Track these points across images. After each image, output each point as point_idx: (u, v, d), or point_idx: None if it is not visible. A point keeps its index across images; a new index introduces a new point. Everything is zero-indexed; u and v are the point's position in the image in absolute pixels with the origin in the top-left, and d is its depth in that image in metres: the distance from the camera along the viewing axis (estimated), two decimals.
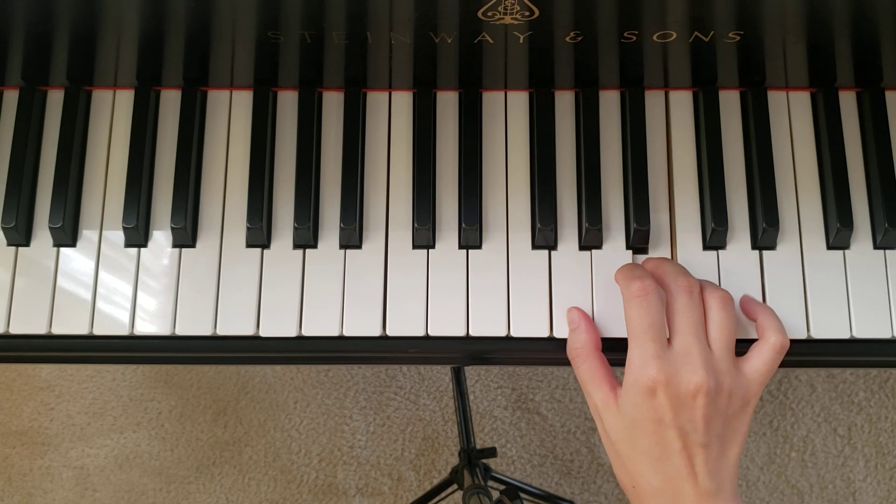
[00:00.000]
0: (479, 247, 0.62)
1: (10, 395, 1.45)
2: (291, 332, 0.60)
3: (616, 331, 0.60)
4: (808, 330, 0.60)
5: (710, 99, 0.64)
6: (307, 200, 0.61)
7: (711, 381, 0.53)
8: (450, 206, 0.63)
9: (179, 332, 0.60)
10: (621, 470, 0.56)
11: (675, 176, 0.63)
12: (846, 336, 0.61)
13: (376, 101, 0.65)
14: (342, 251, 0.62)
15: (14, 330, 0.60)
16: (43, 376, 1.46)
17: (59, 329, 0.60)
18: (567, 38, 0.58)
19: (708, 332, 0.56)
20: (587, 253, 0.62)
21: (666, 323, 0.56)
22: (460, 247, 0.62)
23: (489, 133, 0.64)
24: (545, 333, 0.60)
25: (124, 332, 0.60)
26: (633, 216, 0.61)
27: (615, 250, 0.62)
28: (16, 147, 0.63)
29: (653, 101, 0.65)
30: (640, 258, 0.61)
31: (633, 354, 0.55)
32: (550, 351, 0.61)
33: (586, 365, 0.57)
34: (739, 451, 0.55)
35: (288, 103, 0.65)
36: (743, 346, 0.57)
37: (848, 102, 0.65)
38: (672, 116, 0.65)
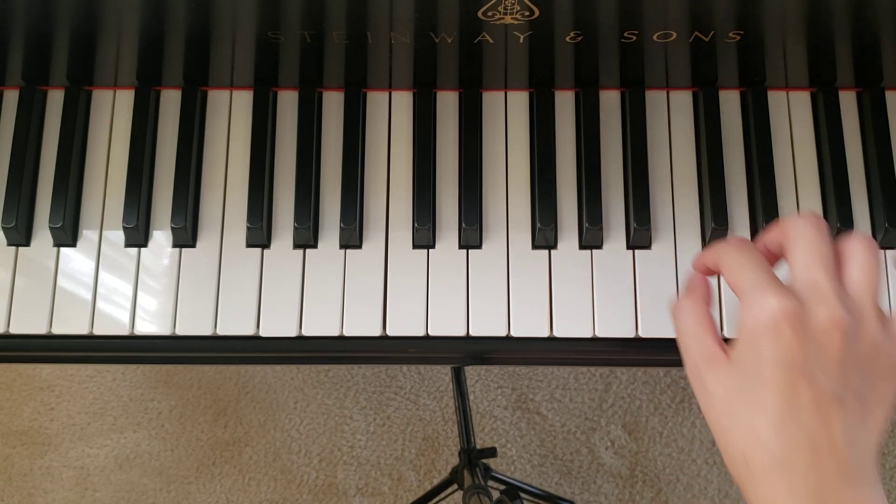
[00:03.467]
0: (479, 247, 0.62)
1: (10, 395, 1.45)
2: (291, 332, 0.60)
3: (618, 331, 0.60)
4: None
5: (710, 99, 0.64)
6: (307, 200, 0.61)
7: (849, 318, 0.42)
8: (450, 206, 0.63)
9: (180, 331, 0.60)
10: (728, 441, 0.44)
11: (676, 176, 0.63)
12: None
13: (376, 100, 0.65)
14: (342, 251, 0.62)
15: (14, 330, 0.60)
16: (43, 376, 1.46)
17: (59, 329, 0.60)
18: (567, 38, 0.58)
19: (847, 273, 0.45)
20: (587, 252, 0.62)
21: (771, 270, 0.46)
22: (460, 247, 0.62)
23: (489, 133, 0.64)
24: (545, 333, 0.60)
25: (124, 332, 0.60)
26: (634, 216, 0.61)
27: (615, 250, 0.62)
28: (16, 147, 0.63)
29: (653, 100, 0.65)
30: (641, 257, 0.61)
31: (745, 293, 0.45)
32: (550, 351, 0.61)
33: (692, 317, 0.48)
34: (882, 429, 0.43)
35: (288, 103, 0.65)
36: None
37: (848, 102, 0.65)
38: (672, 116, 0.65)
